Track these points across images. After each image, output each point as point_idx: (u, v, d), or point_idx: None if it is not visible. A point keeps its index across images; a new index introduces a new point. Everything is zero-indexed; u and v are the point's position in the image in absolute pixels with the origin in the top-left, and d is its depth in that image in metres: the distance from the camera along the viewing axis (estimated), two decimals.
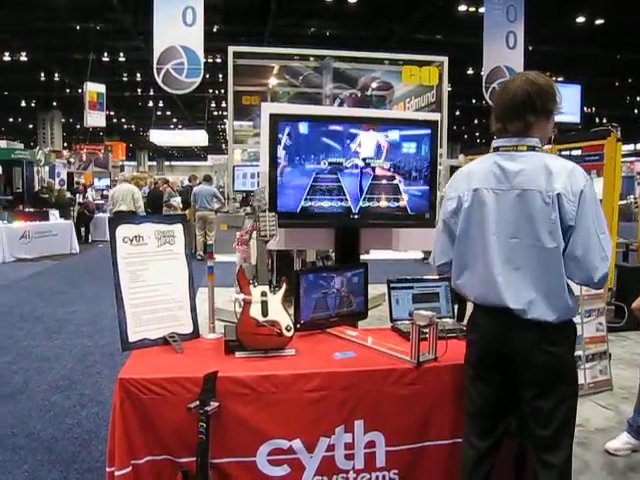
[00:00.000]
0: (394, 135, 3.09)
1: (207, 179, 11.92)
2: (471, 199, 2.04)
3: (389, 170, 3.12)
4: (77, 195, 16.67)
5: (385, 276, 3.06)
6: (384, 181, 3.12)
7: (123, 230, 2.55)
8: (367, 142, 3.07)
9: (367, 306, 2.92)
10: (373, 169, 3.10)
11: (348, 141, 3.05)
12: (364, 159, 3.08)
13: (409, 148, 3.11)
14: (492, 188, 2.00)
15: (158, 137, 23.83)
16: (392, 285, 2.90)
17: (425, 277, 2.99)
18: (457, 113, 24.88)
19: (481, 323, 2.05)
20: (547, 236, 1.89)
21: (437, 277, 3.14)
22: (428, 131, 3.11)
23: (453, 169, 8.04)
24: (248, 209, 7.61)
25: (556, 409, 1.95)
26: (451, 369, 2.32)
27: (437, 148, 3.17)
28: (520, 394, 2.01)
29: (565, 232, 1.89)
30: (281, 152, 2.97)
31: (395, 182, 3.13)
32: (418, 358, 2.30)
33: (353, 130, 3.04)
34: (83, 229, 14.72)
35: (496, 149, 2.06)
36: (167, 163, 45.96)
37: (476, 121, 28.56)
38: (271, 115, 2.99)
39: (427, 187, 3.17)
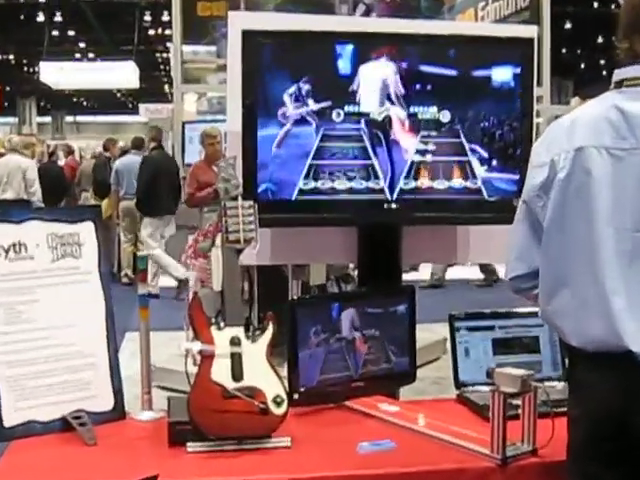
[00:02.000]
0: (453, 68, 3.12)
1: (138, 146, 11.93)
2: (571, 165, 2.02)
3: (450, 126, 3.13)
4: None
5: (446, 309, 3.04)
6: (443, 142, 3.14)
7: None
8: (408, 78, 3.10)
9: (415, 362, 2.92)
10: (422, 124, 3.12)
11: (377, 76, 3.08)
12: (406, 105, 3.11)
13: (483, 89, 3.13)
14: (607, 147, 1.99)
15: (54, 75, 23.92)
16: (458, 324, 2.89)
17: (515, 310, 2.98)
18: (567, 26, 24.87)
19: (591, 385, 2.03)
20: None
21: (536, 309, 3.13)
22: (516, 58, 3.13)
23: None
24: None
25: None
26: (562, 469, 2.25)
27: (532, 88, 3.20)
28: None
29: None
30: (264, 96, 3.02)
31: (459, 142, 3.15)
32: (504, 451, 2.29)
33: (382, 59, 3.08)
34: None
35: (619, 84, 2.06)
36: (70, 119, 46.09)
37: (600, 40, 28.53)
38: (245, 33, 3.02)
39: (515, 155, 3.19)
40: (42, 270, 2.61)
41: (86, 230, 2.70)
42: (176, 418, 2.47)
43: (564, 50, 26.27)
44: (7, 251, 2.57)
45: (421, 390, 3.53)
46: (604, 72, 32.76)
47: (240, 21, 3.30)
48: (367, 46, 3.11)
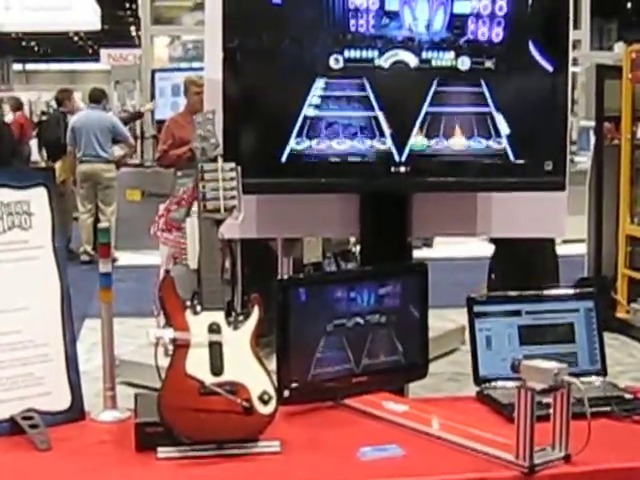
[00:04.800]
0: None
1: (97, 98, 11.92)
2: None
3: (469, 75, 3.14)
4: None
5: (463, 292, 3.05)
6: (461, 94, 3.16)
7: None
8: (426, 11, 3.10)
9: (427, 353, 2.94)
10: (437, 71, 3.13)
11: (388, 9, 3.09)
12: (419, 48, 3.11)
13: (499, 29, 3.13)
14: None
15: None
16: (478, 309, 2.90)
17: (546, 292, 2.99)
18: None
19: None
20: None
21: (572, 291, 3.12)
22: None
23: (603, 72, 8.03)
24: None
25: None
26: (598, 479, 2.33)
27: (567, 28, 3.20)
28: None
29: None
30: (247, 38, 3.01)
31: (481, 94, 3.16)
32: (531, 458, 2.29)
33: None
34: None
35: None
36: (18, 67, 45.90)
37: None
38: None
39: (548, 108, 3.22)
40: None
41: (37, 197, 2.69)
42: (144, 419, 2.46)
43: None
44: None
45: (435, 387, 3.53)
46: None
47: None
48: None
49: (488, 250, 7.33)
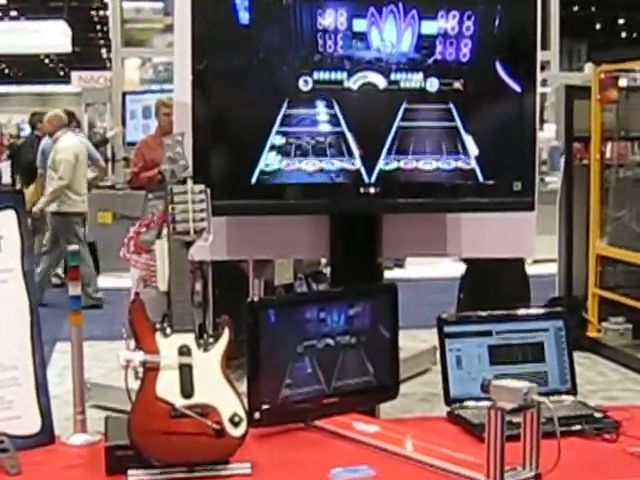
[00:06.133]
0: (448, 20, 3.14)
1: (68, 121, 11.89)
2: None
3: (438, 96, 3.16)
4: None
5: (435, 313, 3.05)
6: (430, 116, 3.16)
7: None
8: (393, 32, 3.12)
9: (397, 374, 2.93)
10: (406, 92, 3.14)
11: (356, 30, 3.11)
12: (388, 69, 3.13)
13: (466, 50, 3.15)
14: None
15: None
16: (448, 329, 2.90)
17: (516, 312, 3.00)
18: None
19: None
20: None
21: (542, 311, 3.14)
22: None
23: (572, 93, 8.09)
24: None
25: None
26: None
27: (534, 49, 3.22)
28: None
29: None
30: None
31: (449, 116, 3.17)
32: (502, 477, 2.28)
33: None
34: None
35: None
36: None
37: None
38: None
39: (516, 128, 3.24)
40: None
41: (6, 220, 2.68)
42: (115, 442, 2.45)
43: (576, 7, 26.37)
44: None
45: (407, 408, 3.53)
46: (623, 33, 33.03)
47: None
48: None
49: (460, 270, 7.37)
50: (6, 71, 43.98)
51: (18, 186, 12.54)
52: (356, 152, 3.13)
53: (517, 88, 3.20)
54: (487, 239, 3.58)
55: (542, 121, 10.84)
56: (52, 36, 24.09)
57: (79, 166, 9.96)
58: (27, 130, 15.19)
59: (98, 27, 33.29)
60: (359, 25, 3.11)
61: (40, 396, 2.66)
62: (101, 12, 30.01)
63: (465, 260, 6.71)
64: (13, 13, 30.44)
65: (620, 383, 6.78)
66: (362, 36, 3.11)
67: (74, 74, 30.09)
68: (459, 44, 3.15)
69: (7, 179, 14.19)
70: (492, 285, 6.41)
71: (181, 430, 2.36)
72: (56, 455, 2.59)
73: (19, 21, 28.73)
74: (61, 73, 39.13)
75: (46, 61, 38.33)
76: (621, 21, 32.29)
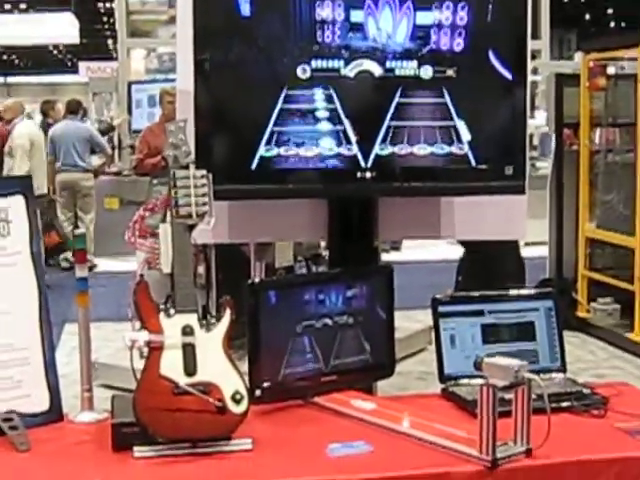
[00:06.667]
0: (442, 11, 3.15)
1: (74, 109, 11.85)
2: None
3: (432, 84, 3.17)
4: None
5: (428, 293, 3.08)
6: (424, 102, 3.18)
7: None
8: (389, 22, 3.12)
9: (393, 353, 2.95)
10: (401, 80, 3.16)
11: (353, 20, 3.11)
12: (384, 57, 3.14)
13: (460, 39, 3.17)
14: None
15: None
16: (442, 309, 2.93)
17: (508, 292, 3.03)
18: None
19: None
20: None
21: (533, 291, 3.18)
22: None
23: (562, 80, 8.09)
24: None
25: None
26: (559, 472, 2.36)
27: (525, 38, 3.27)
28: None
29: None
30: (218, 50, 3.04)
31: (443, 102, 3.19)
32: (494, 452, 2.32)
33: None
34: None
35: None
36: (0, 80, 45.37)
37: None
38: None
39: (507, 114, 3.25)
40: None
41: (16, 205, 2.69)
42: (121, 419, 2.47)
43: None
44: None
45: (403, 386, 3.53)
46: (612, 23, 32.84)
47: None
48: None
49: (456, 253, 7.35)
50: (16, 62, 43.54)
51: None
52: (353, 138, 3.14)
53: (508, 76, 3.22)
54: (480, 222, 3.59)
55: (533, 108, 10.80)
56: (60, 28, 23.90)
57: (35, 150, 10.20)
58: (37, 118, 15.07)
59: (104, 19, 33.06)
60: (356, 16, 3.11)
61: (49, 375, 2.68)
62: (107, 4, 29.81)
63: (463, 244, 6.73)
64: (22, 6, 30.21)
65: (608, 361, 6.83)
66: (359, 26, 3.12)
67: (82, 64, 29.74)
68: (453, 34, 3.15)
69: None
70: (489, 268, 6.43)
71: (184, 407, 2.39)
72: (64, 432, 2.62)
73: (28, 13, 28.48)
74: (69, 64, 38.77)
75: (54, 52, 38.01)
76: (610, 11, 32.10)
